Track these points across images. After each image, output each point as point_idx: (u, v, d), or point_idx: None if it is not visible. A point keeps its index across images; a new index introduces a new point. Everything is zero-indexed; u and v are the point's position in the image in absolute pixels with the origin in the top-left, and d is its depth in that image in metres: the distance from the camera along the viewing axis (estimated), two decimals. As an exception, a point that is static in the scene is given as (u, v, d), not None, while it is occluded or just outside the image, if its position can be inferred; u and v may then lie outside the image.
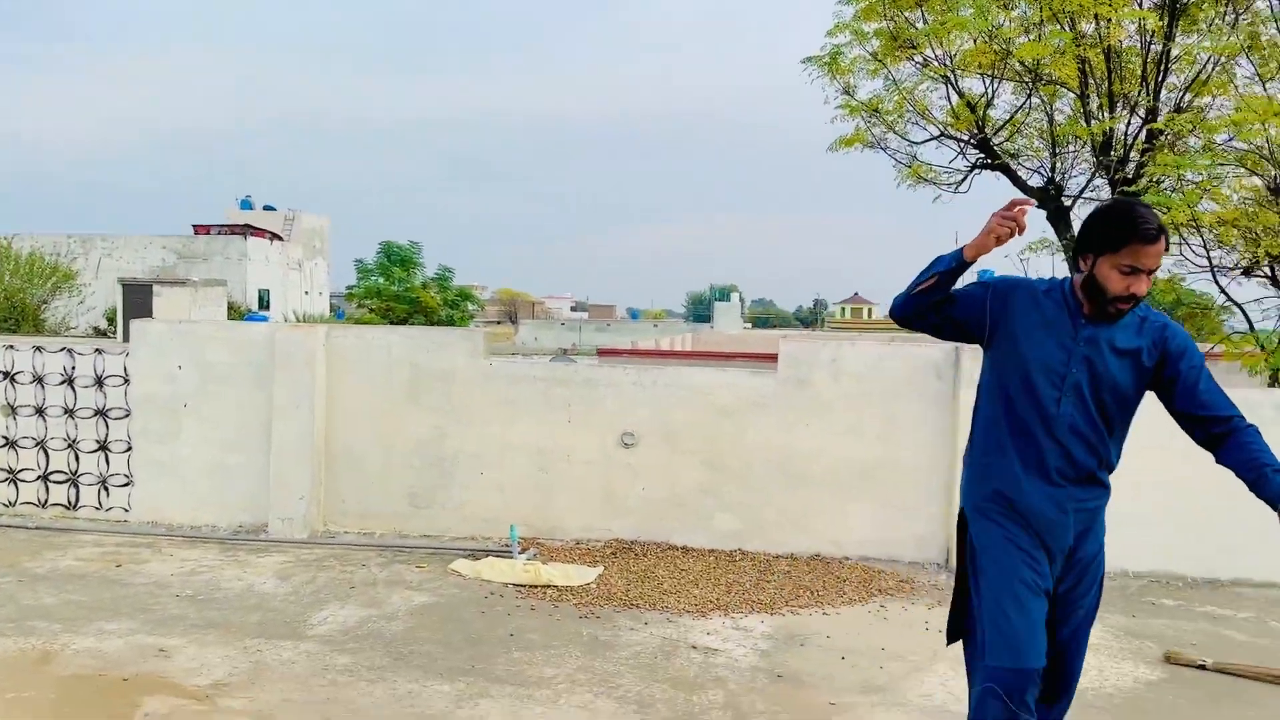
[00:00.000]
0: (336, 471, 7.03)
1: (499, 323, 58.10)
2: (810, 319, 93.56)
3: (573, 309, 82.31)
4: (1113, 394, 2.78)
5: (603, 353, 17.85)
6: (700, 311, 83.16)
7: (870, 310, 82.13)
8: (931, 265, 2.82)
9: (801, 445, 6.74)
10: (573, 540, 6.84)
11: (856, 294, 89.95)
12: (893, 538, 6.63)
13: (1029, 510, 2.84)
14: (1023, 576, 2.80)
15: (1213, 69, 11.95)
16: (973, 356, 6.46)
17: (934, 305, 2.83)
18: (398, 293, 29.09)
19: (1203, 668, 4.75)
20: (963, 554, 3.04)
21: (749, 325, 58.56)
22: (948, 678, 4.61)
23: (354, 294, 31.72)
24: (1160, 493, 6.21)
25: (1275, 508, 2.64)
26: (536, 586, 5.81)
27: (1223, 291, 13.33)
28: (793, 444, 6.75)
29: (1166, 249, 2.64)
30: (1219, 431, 2.78)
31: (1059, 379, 2.77)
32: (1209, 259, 12.55)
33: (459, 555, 6.39)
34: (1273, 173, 11.83)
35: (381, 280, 29.62)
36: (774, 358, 7.03)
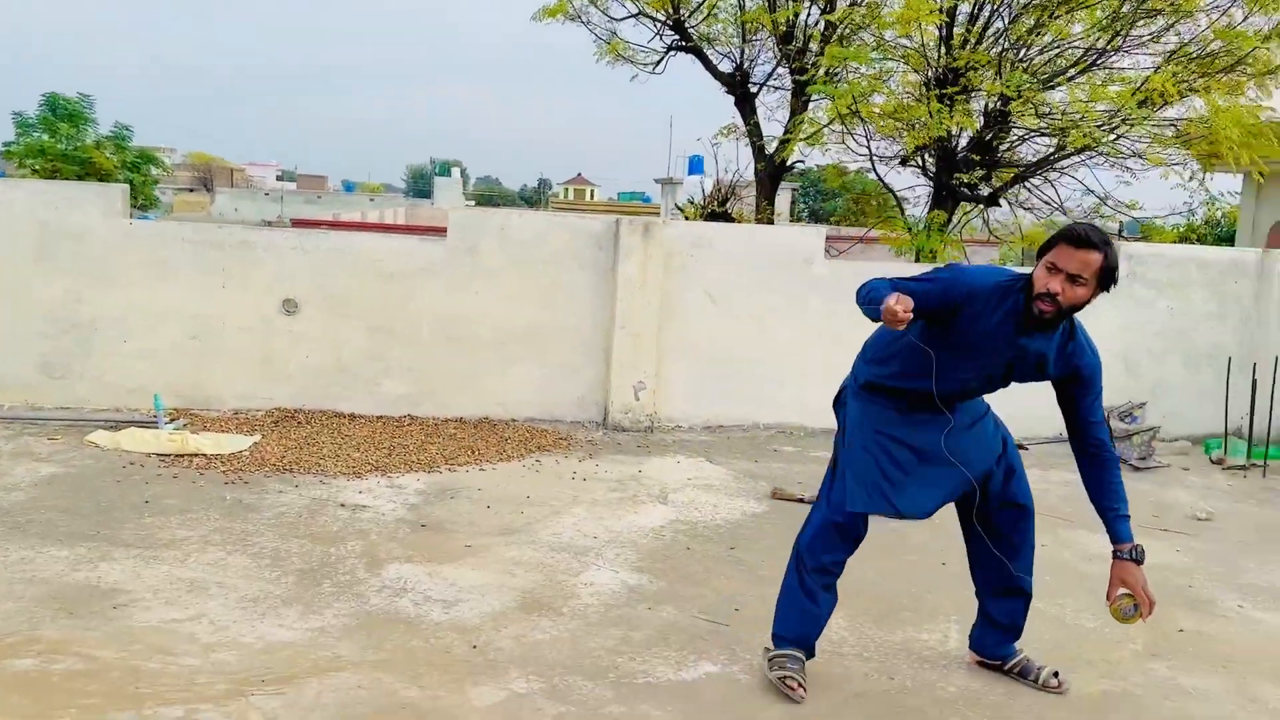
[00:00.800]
0: (-47, 340, 6.36)
1: (192, 190, 53.22)
2: (535, 198, 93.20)
3: (278, 178, 76.65)
4: (1010, 383, 3.18)
5: (296, 223, 17.04)
6: (422, 187, 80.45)
7: (593, 192, 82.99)
8: (875, 303, 2.89)
9: (470, 311, 6.87)
10: (230, 410, 6.65)
11: (580, 174, 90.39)
12: (555, 399, 6.98)
13: (910, 420, 3.20)
14: (888, 448, 3.16)
15: (889, -37, 12.73)
16: (629, 229, 6.80)
17: None
18: (65, 152, 25.83)
19: (801, 500, 5.43)
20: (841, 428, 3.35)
21: (472, 203, 57.52)
22: (580, 519, 5.02)
23: (13, 152, 27.83)
24: (793, 358, 6.93)
25: (1115, 547, 3.09)
26: (183, 455, 5.63)
27: (880, 180, 14.72)
28: (462, 310, 6.86)
29: (1106, 266, 2.86)
30: (1089, 449, 3.16)
31: (979, 371, 3.11)
32: (869, 149, 13.78)
33: (99, 427, 6.04)
34: (928, 70, 13.05)
35: (46, 137, 26.18)
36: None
